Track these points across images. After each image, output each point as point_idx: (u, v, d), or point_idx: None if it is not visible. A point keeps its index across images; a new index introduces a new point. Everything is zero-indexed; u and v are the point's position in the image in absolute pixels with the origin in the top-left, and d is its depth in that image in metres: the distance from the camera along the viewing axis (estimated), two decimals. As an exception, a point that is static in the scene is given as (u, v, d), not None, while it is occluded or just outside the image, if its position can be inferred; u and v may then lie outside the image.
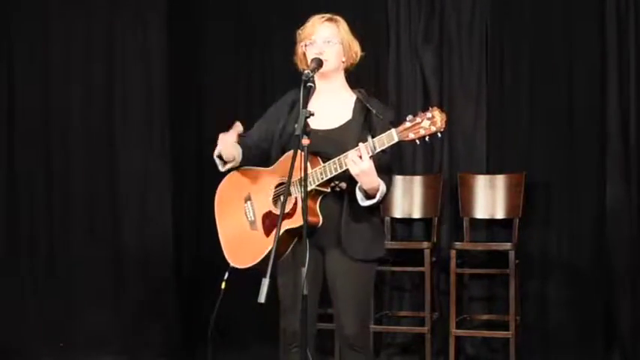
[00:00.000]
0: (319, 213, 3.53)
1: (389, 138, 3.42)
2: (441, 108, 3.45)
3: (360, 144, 3.43)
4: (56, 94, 6.05)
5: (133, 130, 6.01)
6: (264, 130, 3.74)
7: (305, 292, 3.26)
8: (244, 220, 3.66)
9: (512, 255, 5.47)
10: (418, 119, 3.40)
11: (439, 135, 3.41)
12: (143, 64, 6.02)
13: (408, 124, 3.40)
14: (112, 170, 6.01)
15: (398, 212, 5.98)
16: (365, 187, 3.47)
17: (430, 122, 3.39)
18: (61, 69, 6.05)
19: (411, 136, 3.40)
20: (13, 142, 6.03)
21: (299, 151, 3.32)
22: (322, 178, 3.48)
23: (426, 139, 3.41)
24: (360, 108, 3.64)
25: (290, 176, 3.34)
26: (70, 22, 6.03)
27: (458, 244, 5.64)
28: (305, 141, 3.30)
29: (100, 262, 5.97)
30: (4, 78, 6.03)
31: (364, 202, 3.51)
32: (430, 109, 3.42)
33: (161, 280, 5.95)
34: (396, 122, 3.51)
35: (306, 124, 3.32)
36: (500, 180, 5.81)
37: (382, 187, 3.50)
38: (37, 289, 5.98)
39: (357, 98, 3.68)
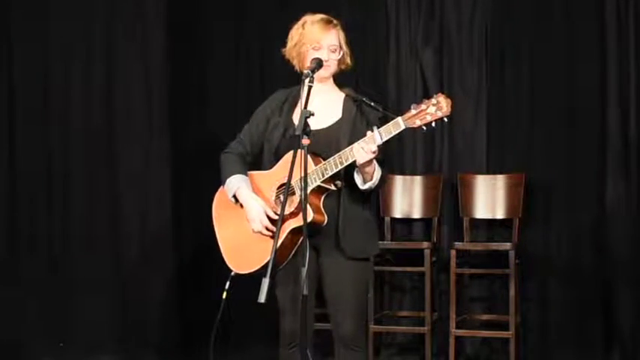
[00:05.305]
0: (324, 211, 3.53)
1: (395, 126, 3.43)
2: (446, 93, 3.46)
3: (369, 132, 3.44)
4: (56, 94, 6.05)
5: (133, 130, 6.01)
6: (255, 136, 3.75)
7: (305, 292, 3.26)
8: (246, 225, 3.63)
9: (512, 255, 5.47)
10: (423, 106, 3.42)
11: (445, 120, 3.42)
12: (143, 64, 6.01)
13: (413, 112, 3.42)
14: (112, 170, 6.00)
15: (398, 212, 5.98)
16: (367, 171, 3.49)
17: (436, 108, 3.41)
18: (61, 69, 6.05)
19: (418, 122, 3.42)
20: (13, 142, 6.03)
21: (299, 151, 3.32)
22: (327, 174, 3.49)
23: (433, 124, 3.42)
24: (350, 105, 3.66)
25: (290, 175, 3.35)
26: (70, 22, 6.03)
27: (458, 244, 5.64)
28: (305, 141, 3.31)
29: (99, 261, 5.96)
30: (4, 78, 6.02)
31: (364, 186, 3.53)
32: (435, 95, 3.44)
33: (161, 279, 5.95)
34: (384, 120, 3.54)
35: (307, 124, 3.32)
36: (500, 180, 5.81)
37: (377, 173, 3.53)
38: (37, 289, 5.97)
39: (346, 96, 3.69)
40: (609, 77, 5.56)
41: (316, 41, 3.63)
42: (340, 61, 3.69)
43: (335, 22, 3.70)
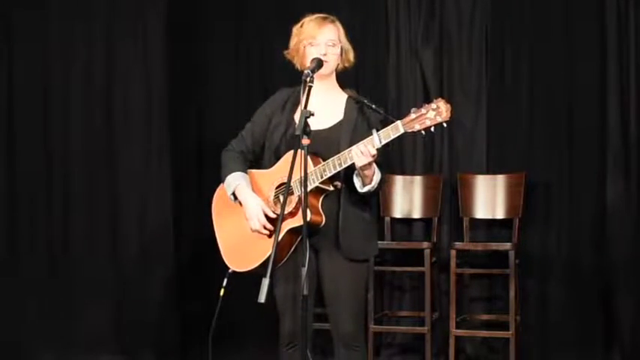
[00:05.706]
0: (322, 212, 3.53)
1: (395, 130, 3.44)
2: (445, 98, 3.46)
3: (370, 137, 3.45)
4: (56, 95, 6.05)
5: (133, 130, 6.01)
6: (256, 134, 3.75)
7: (305, 292, 3.26)
8: (244, 224, 3.63)
9: (512, 255, 5.47)
10: (423, 110, 3.42)
11: (444, 125, 3.43)
12: (143, 64, 6.01)
13: (413, 116, 3.43)
14: (112, 170, 6.00)
15: (398, 212, 5.98)
16: (366, 174, 3.49)
17: (435, 113, 3.41)
18: (61, 69, 6.05)
19: (417, 127, 3.42)
20: (13, 143, 6.03)
21: (299, 151, 3.32)
22: (325, 175, 3.49)
23: (432, 129, 3.42)
24: (352, 107, 3.66)
25: (290, 175, 3.34)
26: (70, 22, 6.03)
27: (458, 244, 5.64)
28: (305, 141, 3.31)
29: (99, 262, 5.96)
30: (4, 78, 6.02)
31: (363, 189, 3.53)
32: (435, 100, 3.45)
33: (161, 280, 5.95)
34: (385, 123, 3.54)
35: (307, 124, 3.32)
36: (500, 180, 5.81)
37: (377, 176, 3.53)
38: (37, 289, 5.97)
39: (349, 97, 3.70)
40: (609, 77, 5.56)
41: (313, 37, 3.63)
42: (342, 58, 3.69)
43: (332, 18, 3.71)
